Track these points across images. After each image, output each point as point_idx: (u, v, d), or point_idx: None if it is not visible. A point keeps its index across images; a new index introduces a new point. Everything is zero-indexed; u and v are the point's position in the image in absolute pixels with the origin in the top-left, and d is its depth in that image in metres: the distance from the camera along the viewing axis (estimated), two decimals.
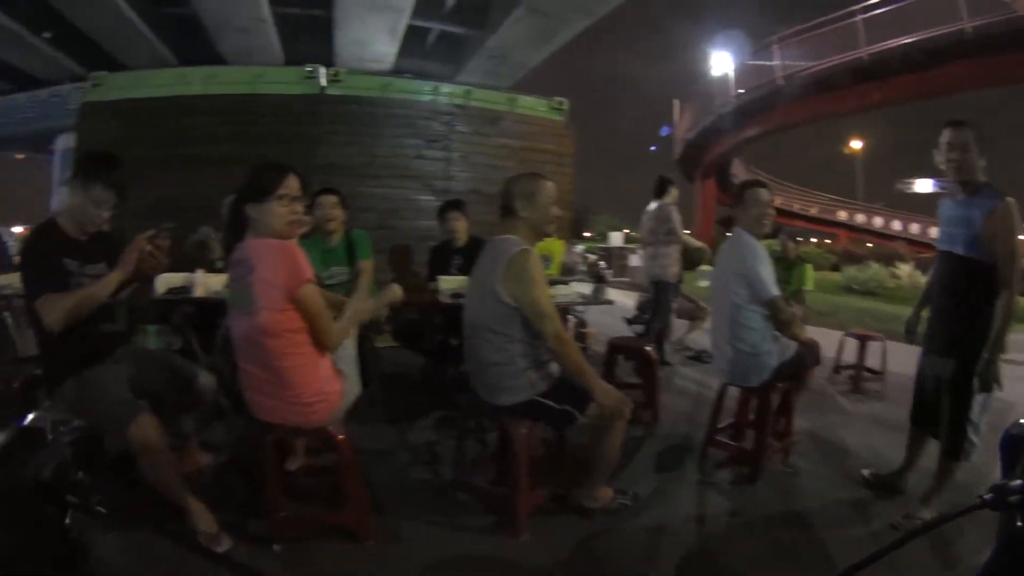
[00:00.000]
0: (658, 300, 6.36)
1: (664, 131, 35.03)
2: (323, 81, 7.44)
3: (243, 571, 0.71)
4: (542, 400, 2.69)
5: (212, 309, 4.32)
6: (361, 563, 2.59)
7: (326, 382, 2.56)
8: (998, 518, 0.86)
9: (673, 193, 6.48)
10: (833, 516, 3.11)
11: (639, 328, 6.70)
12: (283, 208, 2.50)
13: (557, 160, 8.00)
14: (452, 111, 7.67)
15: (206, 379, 3.03)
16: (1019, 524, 0.80)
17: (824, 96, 21.05)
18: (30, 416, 0.70)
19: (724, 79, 24.50)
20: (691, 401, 5.11)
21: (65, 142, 16.73)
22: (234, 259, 2.49)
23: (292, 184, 2.54)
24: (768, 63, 22.12)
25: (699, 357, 6.77)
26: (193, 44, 13.94)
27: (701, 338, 7.00)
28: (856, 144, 38.58)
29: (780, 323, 3.40)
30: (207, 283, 4.16)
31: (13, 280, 4.81)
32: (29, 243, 2.85)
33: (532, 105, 8.30)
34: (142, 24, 13.32)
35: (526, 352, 2.70)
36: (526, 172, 3.07)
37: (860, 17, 19.29)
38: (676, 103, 31.13)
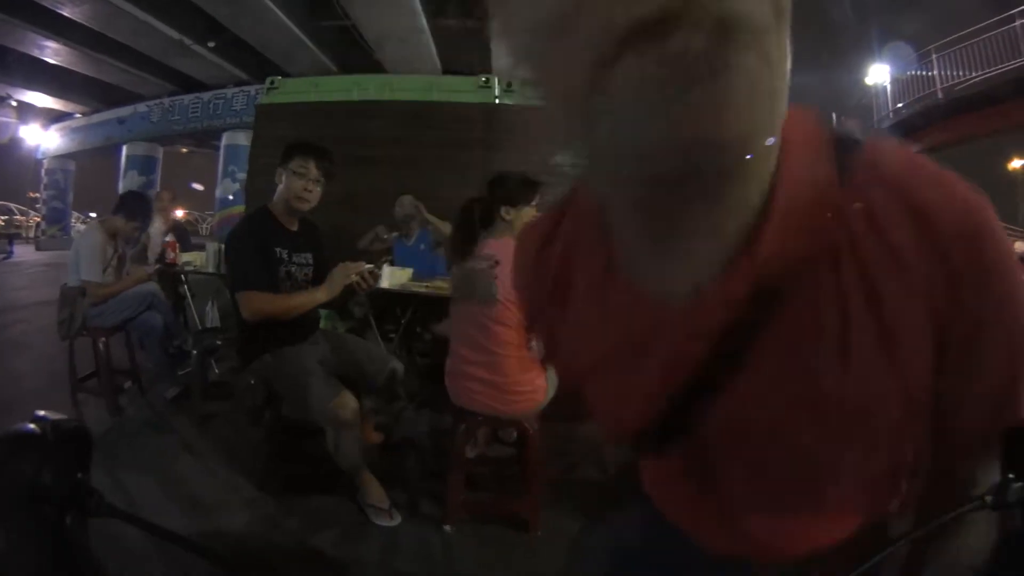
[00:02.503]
0: None
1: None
2: (497, 91, 7.57)
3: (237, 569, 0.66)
4: None
5: (390, 300, 4.48)
6: (526, 551, 2.78)
7: (536, 376, 2.78)
8: (998, 518, 0.80)
9: None
10: None
11: None
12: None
13: None
14: None
15: (395, 365, 3.28)
16: (1019, 524, 0.76)
17: (987, 110, 19.21)
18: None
19: (882, 92, 22.87)
20: None
21: (229, 139, 18.37)
22: (478, 255, 2.82)
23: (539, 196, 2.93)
24: (928, 74, 20.47)
25: None
26: (352, 53, 14.51)
27: None
28: (1018, 163, 34.98)
29: None
30: (394, 276, 4.27)
31: (193, 257, 5.15)
32: (244, 230, 3.07)
33: None
34: (302, 34, 13.97)
35: None
36: None
37: (1021, 22, 16.93)
38: (833, 116, 29.45)
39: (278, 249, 3.02)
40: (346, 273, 3.02)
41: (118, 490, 3.06)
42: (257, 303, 2.84)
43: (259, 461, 3.34)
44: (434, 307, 4.35)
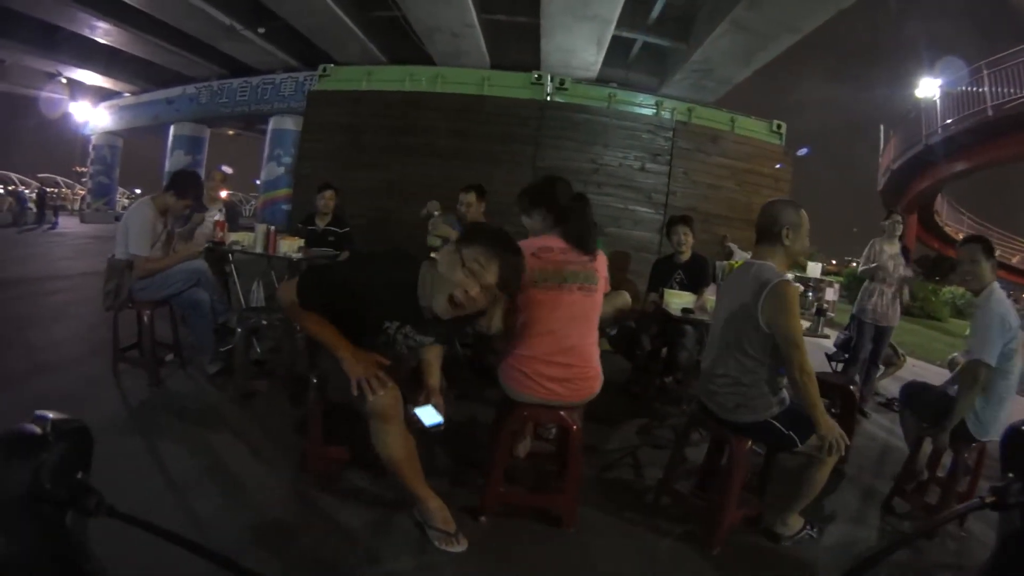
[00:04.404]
0: (856, 337, 5.98)
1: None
2: (549, 88, 7.62)
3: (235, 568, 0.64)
4: (773, 423, 2.76)
5: None
6: (560, 547, 2.76)
7: (599, 363, 2.90)
8: (998, 518, 0.85)
9: (888, 225, 5.95)
10: None
11: (838, 366, 6.29)
12: None
13: (774, 185, 7.78)
14: (675, 127, 7.61)
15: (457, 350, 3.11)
16: (1019, 524, 0.80)
17: None
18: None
19: (931, 107, 22.34)
20: (879, 449, 4.89)
21: (276, 123, 18.79)
22: (567, 248, 2.87)
23: None
24: (978, 90, 19.84)
25: (889, 405, 6.26)
26: (401, 44, 14.59)
27: (893, 385, 6.55)
28: None
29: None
30: None
31: (242, 237, 5.17)
32: (381, 279, 2.50)
33: (751, 127, 8.13)
34: (353, 24, 14.08)
35: (770, 377, 2.77)
36: (786, 200, 3.08)
37: None
38: (882, 129, 28.51)
39: (388, 323, 2.55)
40: (366, 370, 2.39)
41: (154, 460, 3.12)
42: (304, 317, 2.48)
43: (298, 440, 3.40)
44: None
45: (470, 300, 2.34)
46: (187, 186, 4.44)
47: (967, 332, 3.48)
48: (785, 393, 2.85)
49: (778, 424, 2.76)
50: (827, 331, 4.89)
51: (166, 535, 0.71)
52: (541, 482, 3.24)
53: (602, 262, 2.91)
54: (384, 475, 3.01)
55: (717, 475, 3.22)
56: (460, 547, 2.56)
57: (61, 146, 35.93)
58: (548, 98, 7.71)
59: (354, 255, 2.75)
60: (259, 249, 5.08)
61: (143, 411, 3.84)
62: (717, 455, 3.31)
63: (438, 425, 2.57)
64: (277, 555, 2.44)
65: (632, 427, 4.47)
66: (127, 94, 25.07)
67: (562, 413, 2.85)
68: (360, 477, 3.09)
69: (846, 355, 6.13)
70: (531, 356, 2.80)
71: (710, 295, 4.50)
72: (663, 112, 7.90)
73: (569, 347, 2.79)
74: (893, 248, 5.83)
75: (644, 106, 8.01)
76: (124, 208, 21.58)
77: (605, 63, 13.50)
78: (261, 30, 16.21)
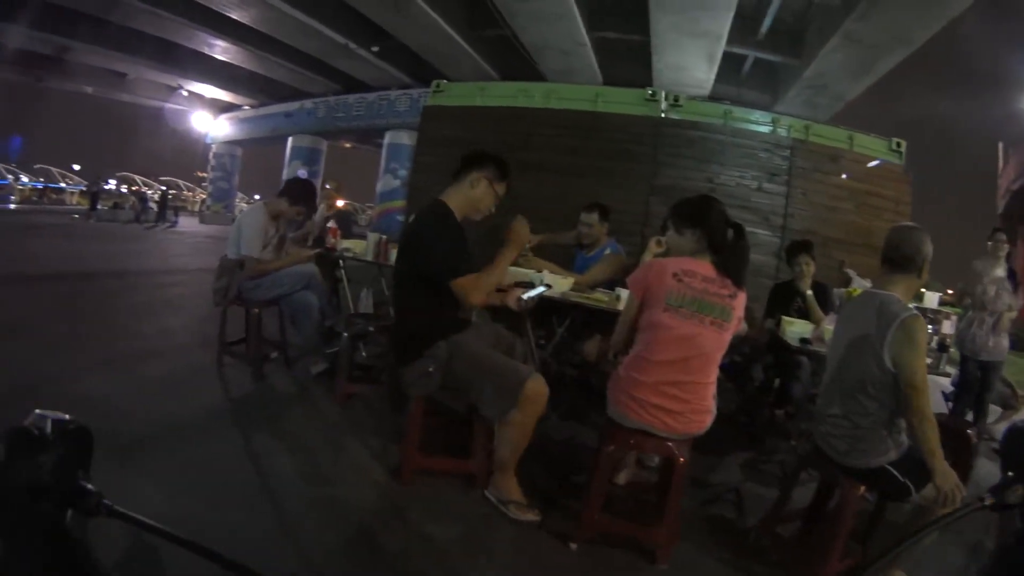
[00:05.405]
0: (960, 372, 5.49)
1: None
2: (663, 105, 7.49)
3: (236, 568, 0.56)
4: (890, 469, 2.51)
5: (546, 308, 4.32)
6: None
7: (713, 400, 2.74)
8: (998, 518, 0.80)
9: (991, 246, 5.43)
10: None
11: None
12: None
13: (894, 208, 7.30)
14: (793, 145, 7.32)
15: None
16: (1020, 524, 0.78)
17: None
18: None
19: None
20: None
21: (392, 138, 19.53)
22: (712, 277, 2.67)
23: None
24: None
25: None
26: (512, 61, 14.77)
27: None
28: None
29: None
30: (555, 283, 4.10)
31: (354, 245, 5.24)
32: (441, 223, 2.99)
33: (870, 145, 7.73)
34: (464, 42, 14.35)
35: (892, 420, 2.53)
36: (916, 226, 2.77)
37: None
38: (1000, 146, 26.09)
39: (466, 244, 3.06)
40: (523, 225, 3.15)
41: (248, 451, 3.21)
42: (476, 284, 2.91)
43: (394, 446, 3.37)
44: (594, 319, 4.14)
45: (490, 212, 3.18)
46: (299, 193, 4.55)
47: None
48: (904, 437, 2.59)
49: (895, 471, 2.50)
50: (947, 368, 4.48)
51: (165, 535, 0.70)
52: (638, 512, 3.05)
53: (741, 301, 2.68)
54: (475, 487, 3.01)
55: (822, 520, 2.97)
56: (535, 517, 2.82)
57: (183, 152, 38.46)
58: (663, 115, 7.57)
59: (412, 227, 2.96)
60: (370, 257, 5.12)
61: (244, 403, 3.96)
62: (825, 498, 3.04)
63: (542, 291, 3.50)
64: (360, 560, 2.42)
65: (737, 460, 4.17)
66: (246, 107, 26.46)
67: (670, 444, 2.67)
68: (454, 489, 3.02)
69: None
70: (644, 382, 2.63)
71: (828, 324, 4.19)
72: (779, 129, 7.63)
73: (686, 381, 2.62)
74: (997, 271, 5.31)
75: (760, 123, 7.77)
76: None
77: (717, 80, 13.35)
78: (375, 49, 16.77)
